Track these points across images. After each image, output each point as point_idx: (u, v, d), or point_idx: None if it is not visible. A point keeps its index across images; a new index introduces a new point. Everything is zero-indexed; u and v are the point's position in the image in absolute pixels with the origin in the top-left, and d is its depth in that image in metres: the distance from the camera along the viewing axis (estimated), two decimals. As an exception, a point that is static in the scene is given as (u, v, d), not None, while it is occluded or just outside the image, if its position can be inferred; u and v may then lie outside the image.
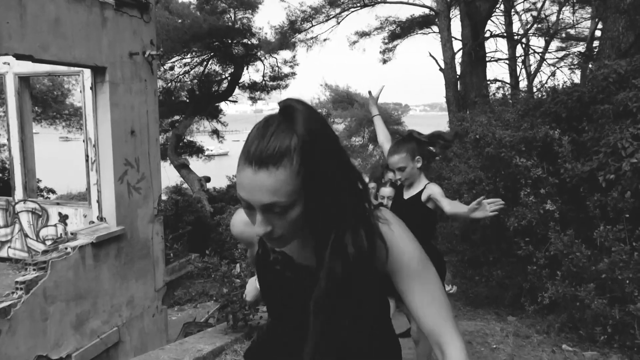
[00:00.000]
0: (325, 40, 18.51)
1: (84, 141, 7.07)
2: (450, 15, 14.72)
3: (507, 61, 16.67)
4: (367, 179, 3.98)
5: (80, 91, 7.25)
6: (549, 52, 17.16)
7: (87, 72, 6.63)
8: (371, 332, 1.30)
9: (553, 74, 10.78)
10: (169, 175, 16.22)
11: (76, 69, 6.86)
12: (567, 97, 5.44)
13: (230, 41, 18.61)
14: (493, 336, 5.01)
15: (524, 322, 5.34)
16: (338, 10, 17.29)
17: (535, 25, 16.81)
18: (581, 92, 5.29)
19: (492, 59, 15.84)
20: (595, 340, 4.38)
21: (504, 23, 16.31)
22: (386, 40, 19.48)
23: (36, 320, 5.37)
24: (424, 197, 3.07)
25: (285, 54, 22.68)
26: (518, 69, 16.95)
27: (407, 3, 16.84)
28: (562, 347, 4.49)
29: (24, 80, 8.07)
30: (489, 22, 14.57)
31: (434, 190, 3.04)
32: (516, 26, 17.38)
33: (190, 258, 7.13)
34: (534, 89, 12.41)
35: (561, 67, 16.90)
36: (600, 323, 4.32)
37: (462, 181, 6.25)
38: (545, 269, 4.93)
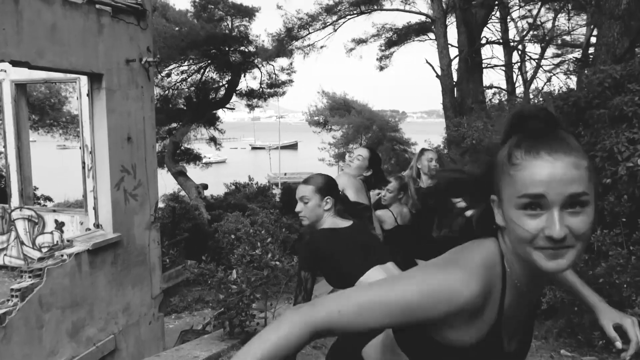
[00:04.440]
0: (322, 47, 18.62)
1: (80, 148, 7.05)
2: (447, 22, 14.81)
3: (503, 68, 16.76)
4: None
5: (77, 98, 7.24)
6: (545, 59, 17.27)
7: (84, 79, 6.62)
8: None
9: (549, 79, 10.83)
10: (166, 183, 16.21)
11: (73, 75, 6.86)
12: (563, 102, 5.46)
13: (227, 49, 18.64)
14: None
15: (522, 328, 5.31)
16: (335, 17, 17.39)
17: (531, 32, 16.92)
18: (577, 97, 5.31)
19: (489, 66, 15.92)
20: (594, 345, 4.36)
21: (500, 30, 16.41)
22: (383, 48, 19.59)
23: (32, 327, 5.32)
24: None
25: (282, 62, 22.78)
26: (514, 76, 17.05)
27: (404, 10, 16.94)
28: (560, 353, 4.48)
29: (20, 87, 8.06)
30: (485, 29, 14.67)
31: None
32: (512, 33, 17.50)
33: (187, 264, 7.10)
34: (531, 95, 12.48)
35: (557, 73, 17.01)
36: (599, 328, 4.29)
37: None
38: (542, 274, 4.92)
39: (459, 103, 13.46)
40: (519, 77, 17.30)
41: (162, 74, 18.16)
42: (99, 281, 6.22)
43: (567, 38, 17.66)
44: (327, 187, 2.47)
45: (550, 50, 18.07)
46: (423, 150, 4.00)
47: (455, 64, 14.19)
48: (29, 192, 8.38)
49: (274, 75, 20.57)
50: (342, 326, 0.97)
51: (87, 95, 6.43)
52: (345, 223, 2.40)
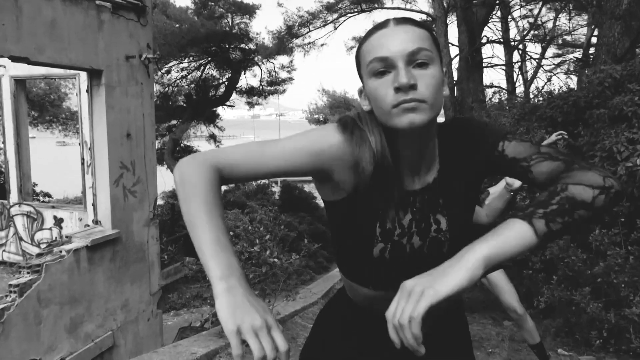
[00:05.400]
0: (322, 45, 18.59)
1: (79, 144, 7.04)
2: (447, 21, 14.79)
3: (503, 67, 16.75)
4: None
5: (77, 94, 7.23)
6: (545, 58, 17.27)
7: (83, 75, 6.62)
8: None
9: (549, 79, 10.82)
10: (166, 180, 16.19)
11: (72, 71, 6.85)
12: (562, 101, 5.46)
13: (227, 46, 18.63)
14: (489, 340, 4.99)
15: (520, 327, 5.32)
16: (335, 15, 17.37)
17: (531, 32, 16.91)
18: (577, 96, 5.31)
19: (489, 65, 15.93)
20: (591, 345, 4.37)
21: (500, 29, 16.39)
22: (383, 46, 19.53)
23: (30, 323, 5.33)
24: None
25: (282, 59, 22.79)
26: (515, 75, 17.04)
27: (405, 9, 16.93)
28: (558, 352, 4.48)
29: (19, 83, 8.05)
30: (486, 28, 14.66)
31: None
32: (513, 32, 17.49)
33: (185, 261, 7.11)
34: (531, 95, 12.48)
35: (558, 73, 17.00)
36: (596, 327, 4.31)
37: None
38: (541, 273, 4.92)
39: (459, 102, 13.45)
40: (520, 76, 17.32)
41: (162, 71, 18.14)
42: (97, 277, 6.22)
43: (568, 38, 17.66)
44: None
45: (551, 50, 18.09)
46: None
47: (455, 63, 14.19)
48: (28, 188, 8.38)
49: (274, 73, 20.57)
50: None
51: (87, 91, 6.43)
52: None
